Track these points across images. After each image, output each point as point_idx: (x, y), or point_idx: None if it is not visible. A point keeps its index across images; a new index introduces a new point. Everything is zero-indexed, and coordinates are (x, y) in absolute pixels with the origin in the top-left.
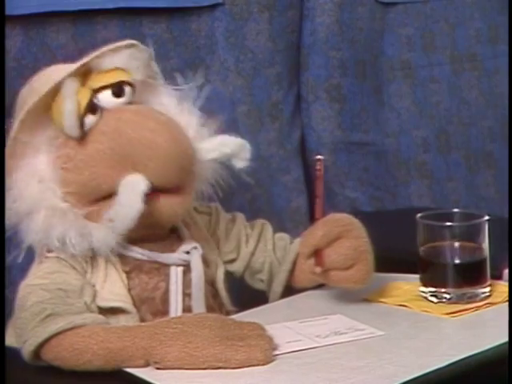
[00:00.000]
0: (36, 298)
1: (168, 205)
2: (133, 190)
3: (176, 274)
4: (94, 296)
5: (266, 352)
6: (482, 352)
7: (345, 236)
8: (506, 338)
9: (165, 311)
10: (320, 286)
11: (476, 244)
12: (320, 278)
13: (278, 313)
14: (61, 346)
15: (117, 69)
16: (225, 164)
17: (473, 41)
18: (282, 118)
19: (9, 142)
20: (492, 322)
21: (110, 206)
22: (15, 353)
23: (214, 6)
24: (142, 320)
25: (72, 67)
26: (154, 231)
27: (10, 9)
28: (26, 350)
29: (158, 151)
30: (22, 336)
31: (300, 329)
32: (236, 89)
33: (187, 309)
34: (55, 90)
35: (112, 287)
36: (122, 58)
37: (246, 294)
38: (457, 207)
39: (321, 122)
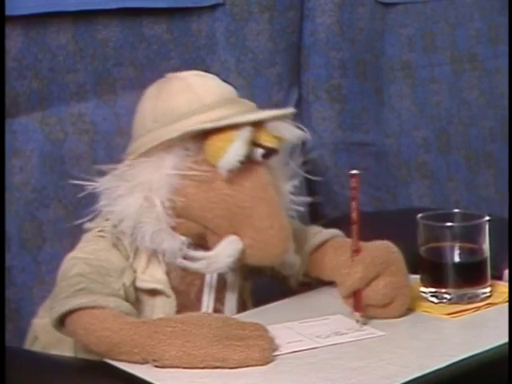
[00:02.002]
0: (77, 270)
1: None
2: (230, 251)
3: (211, 276)
4: (134, 280)
5: (264, 352)
6: (482, 352)
7: (383, 274)
8: (506, 339)
9: (197, 309)
10: (320, 286)
11: (476, 244)
12: None
13: (279, 313)
14: (78, 323)
15: (281, 137)
16: None
17: (473, 41)
18: None
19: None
20: (492, 323)
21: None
22: (15, 353)
23: (214, 7)
24: (179, 307)
25: (257, 116)
26: None
27: (10, 9)
28: (51, 316)
29: (271, 248)
30: (53, 302)
31: (300, 329)
32: (236, 89)
33: (218, 312)
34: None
35: (153, 272)
36: (289, 130)
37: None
38: (457, 207)
39: (321, 123)
